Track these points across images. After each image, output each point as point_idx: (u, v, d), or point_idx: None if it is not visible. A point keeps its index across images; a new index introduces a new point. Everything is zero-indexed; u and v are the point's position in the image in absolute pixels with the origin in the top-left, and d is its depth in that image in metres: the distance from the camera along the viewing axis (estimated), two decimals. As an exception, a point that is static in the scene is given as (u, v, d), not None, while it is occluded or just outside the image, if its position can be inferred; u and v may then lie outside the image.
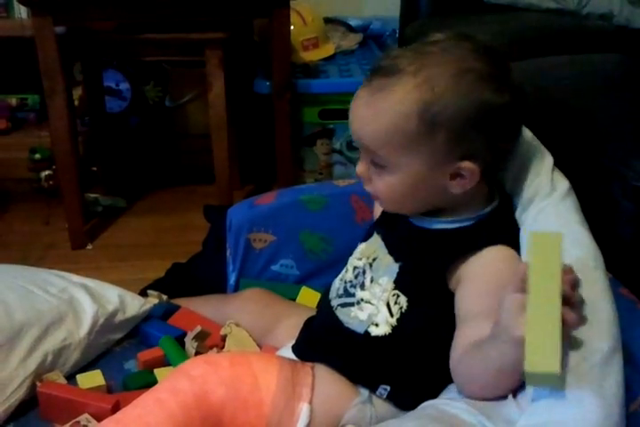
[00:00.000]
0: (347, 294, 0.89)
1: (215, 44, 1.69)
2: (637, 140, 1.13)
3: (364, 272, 0.89)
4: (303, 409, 0.83)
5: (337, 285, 0.93)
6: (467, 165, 0.78)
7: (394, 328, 0.84)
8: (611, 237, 1.05)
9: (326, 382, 0.85)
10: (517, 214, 0.88)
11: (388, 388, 0.84)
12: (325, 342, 0.89)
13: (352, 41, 2.24)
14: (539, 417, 0.67)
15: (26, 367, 0.96)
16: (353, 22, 2.31)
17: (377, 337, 0.85)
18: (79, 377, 1.00)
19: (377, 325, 0.85)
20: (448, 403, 0.78)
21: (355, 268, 0.91)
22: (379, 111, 0.78)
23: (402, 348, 0.84)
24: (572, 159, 1.12)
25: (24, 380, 0.95)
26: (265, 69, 1.90)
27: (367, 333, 0.85)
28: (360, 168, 0.85)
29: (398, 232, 0.89)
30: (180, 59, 2.05)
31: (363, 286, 0.88)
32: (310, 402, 0.83)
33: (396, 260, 0.86)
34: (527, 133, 0.91)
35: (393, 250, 0.87)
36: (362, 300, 0.87)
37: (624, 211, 1.07)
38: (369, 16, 2.34)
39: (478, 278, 0.79)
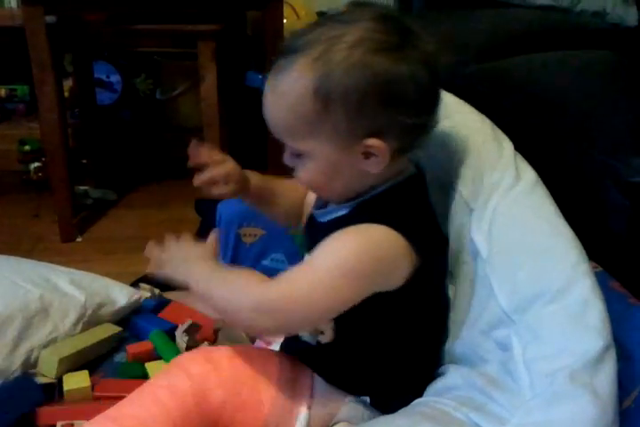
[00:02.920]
0: None
1: (208, 37, 1.68)
2: (630, 136, 1.13)
3: None
4: (302, 410, 0.80)
5: None
6: (373, 142, 0.73)
7: (336, 332, 0.81)
8: (603, 231, 1.05)
9: (323, 382, 0.82)
10: (473, 203, 0.83)
11: (368, 399, 0.81)
12: (299, 352, 0.86)
13: (345, 35, 2.24)
14: (533, 416, 0.67)
15: (11, 362, 0.95)
16: (346, 16, 2.30)
17: (328, 345, 0.82)
18: (66, 377, 0.99)
19: (322, 332, 0.82)
20: (438, 400, 0.77)
21: None
22: (278, 95, 0.74)
23: (356, 352, 0.82)
24: (566, 155, 1.12)
25: (10, 375, 0.94)
26: (257, 62, 1.89)
27: (318, 342, 0.83)
28: (284, 159, 0.81)
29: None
30: (172, 51, 2.04)
31: None
32: (310, 402, 0.80)
33: None
34: (476, 117, 0.87)
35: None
36: None
37: (617, 206, 1.07)
38: (362, 10, 2.33)
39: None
